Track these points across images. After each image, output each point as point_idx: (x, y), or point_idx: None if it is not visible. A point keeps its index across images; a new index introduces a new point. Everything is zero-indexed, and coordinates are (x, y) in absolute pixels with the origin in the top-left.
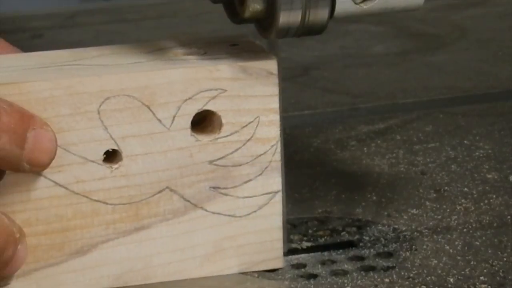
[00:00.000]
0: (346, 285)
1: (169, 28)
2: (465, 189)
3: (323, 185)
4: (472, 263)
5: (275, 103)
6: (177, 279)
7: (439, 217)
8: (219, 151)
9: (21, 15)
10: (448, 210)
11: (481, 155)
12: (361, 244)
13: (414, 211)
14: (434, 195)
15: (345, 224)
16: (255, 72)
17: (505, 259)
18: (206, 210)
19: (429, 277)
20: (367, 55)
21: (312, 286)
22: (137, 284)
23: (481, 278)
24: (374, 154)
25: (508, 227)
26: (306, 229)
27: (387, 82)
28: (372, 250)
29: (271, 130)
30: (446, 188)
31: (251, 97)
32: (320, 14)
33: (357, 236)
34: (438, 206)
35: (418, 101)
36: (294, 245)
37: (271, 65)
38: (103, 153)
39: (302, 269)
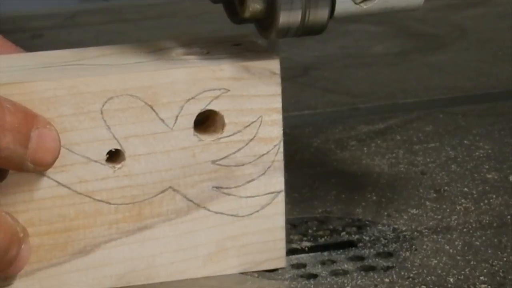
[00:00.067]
0: (346, 285)
1: (169, 28)
2: (465, 189)
3: (323, 185)
4: (472, 263)
5: (278, 103)
6: (180, 279)
7: (439, 217)
8: (222, 151)
9: (21, 15)
10: (448, 210)
11: (481, 155)
12: (361, 244)
13: (414, 211)
14: (434, 195)
15: (345, 224)
16: (258, 72)
17: (505, 259)
18: (209, 210)
19: (429, 277)
20: (367, 55)
21: (312, 286)
22: (140, 284)
23: (481, 278)
24: (374, 154)
25: (508, 227)
26: (306, 229)
27: (387, 82)
28: (372, 250)
29: (273, 130)
30: (446, 188)
31: (254, 97)
32: (320, 14)
33: (357, 236)
34: (438, 206)
35: (418, 101)
36: (294, 245)
37: (274, 64)
38: (106, 153)
39: (302, 269)
